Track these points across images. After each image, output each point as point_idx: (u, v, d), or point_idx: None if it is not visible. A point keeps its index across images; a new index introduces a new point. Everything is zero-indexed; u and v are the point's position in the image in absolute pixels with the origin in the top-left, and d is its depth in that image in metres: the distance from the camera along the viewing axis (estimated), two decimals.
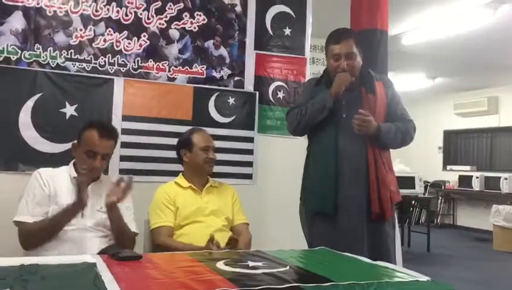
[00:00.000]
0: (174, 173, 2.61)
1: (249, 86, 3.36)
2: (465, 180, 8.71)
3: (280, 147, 3.38)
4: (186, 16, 3.16)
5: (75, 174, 2.22)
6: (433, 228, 7.92)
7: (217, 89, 3.25)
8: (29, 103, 2.77)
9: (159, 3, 3.08)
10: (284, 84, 3.45)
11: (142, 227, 2.46)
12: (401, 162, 6.81)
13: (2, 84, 2.72)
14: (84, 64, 2.90)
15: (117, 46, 2.98)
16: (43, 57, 2.81)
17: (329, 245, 2.05)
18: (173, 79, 3.13)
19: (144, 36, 3.05)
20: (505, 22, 5.02)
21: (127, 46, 3.01)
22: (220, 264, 1.57)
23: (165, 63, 3.11)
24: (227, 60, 3.29)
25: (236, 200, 2.58)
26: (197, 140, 2.50)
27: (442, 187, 9.44)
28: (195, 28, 3.19)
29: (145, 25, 3.06)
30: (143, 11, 3.05)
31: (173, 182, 2.53)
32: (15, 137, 2.73)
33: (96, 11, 2.93)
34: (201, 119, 3.15)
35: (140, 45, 3.04)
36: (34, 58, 2.79)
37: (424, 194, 8.01)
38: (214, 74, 3.25)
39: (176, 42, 3.14)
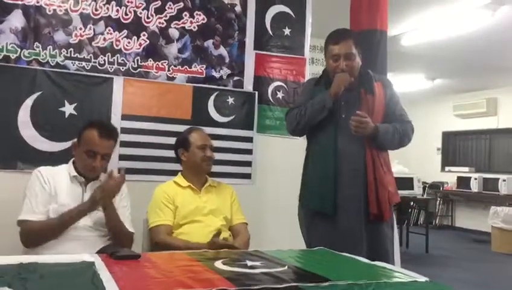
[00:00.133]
0: (173, 173, 2.61)
1: (248, 85, 3.36)
2: (463, 182, 8.71)
3: (279, 147, 3.38)
4: (185, 15, 3.16)
5: (75, 173, 2.23)
6: (431, 229, 7.91)
7: (216, 89, 3.25)
8: (29, 102, 2.77)
9: (159, 3, 3.08)
10: (283, 84, 3.46)
11: (141, 226, 2.47)
12: (399, 163, 6.81)
13: (1, 83, 2.72)
14: (84, 63, 2.90)
15: (117, 45, 2.98)
16: (43, 56, 2.80)
17: (328, 245, 2.05)
18: (173, 78, 3.13)
19: (144, 35, 3.05)
20: (504, 24, 5.02)
21: (127, 45, 3.01)
22: (219, 264, 1.57)
23: (165, 63, 3.11)
24: (227, 60, 3.29)
25: (235, 199, 2.58)
26: (194, 139, 2.51)
27: (441, 188, 9.44)
28: (194, 27, 3.19)
29: (145, 24, 3.06)
30: (143, 10, 3.05)
31: (172, 181, 2.53)
32: (14, 136, 2.73)
33: (96, 10, 2.93)
34: (200, 118, 3.15)
35: (140, 44, 3.04)
36: (34, 57, 2.79)
37: (422, 195, 8.01)
38: (214, 73, 3.25)
39: (175, 42, 3.14)
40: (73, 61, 2.87)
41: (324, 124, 2.40)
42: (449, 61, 6.86)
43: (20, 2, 2.75)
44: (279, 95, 3.44)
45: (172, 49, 3.13)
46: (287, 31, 3.46)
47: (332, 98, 2.35)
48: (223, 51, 3.28)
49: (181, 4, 3.15)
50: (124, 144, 2.93)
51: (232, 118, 3.30)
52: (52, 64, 2.82)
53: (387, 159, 2.48)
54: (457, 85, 8.58)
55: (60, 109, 2.84)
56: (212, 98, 3.24)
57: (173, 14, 3.13)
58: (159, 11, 3.09)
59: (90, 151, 2.17)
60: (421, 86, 8.44)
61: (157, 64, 3.09)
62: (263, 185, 3.33)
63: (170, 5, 3.12)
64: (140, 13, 3.04)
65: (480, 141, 9.34)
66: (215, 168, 2.64)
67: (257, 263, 1.59)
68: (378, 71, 2.82)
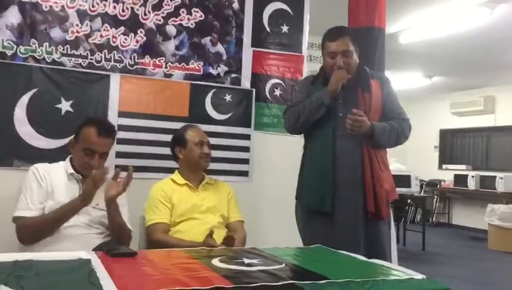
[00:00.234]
0: (170, 170, 2.61)
1: (245, 83, 3.35)
2: (460, 180, 8.73)
3: (276, 145, 3.38)
4: (183, 12, 3.15)
5: (72, 170, 2.22)
6: (428, 226, 7.95)
7: (214, 86, 3.24)
8: (25, 99, 2.75)
9: None
10: (281, 82, 3.45)
11: (138, 224, 2.46)
12: (397, 161, 6.82)
13: None
14: (80, 60, 2.88)
15: (113, 42, 2.97)
16: (39, 52, 2.79)
17: (326, 243, 2.04)
18: (170, 75, 3.12)
19: (141, 32, 3.04)
20: (501, 22, 5.03)
21: (124, 42, 2.99)
22: (216, 261, 1.56)
23: (162, 59, 3.10)
24: (224, 57, 3.28)
25: (232, 197, 2.57)
26: (190, 136, 2.50)
27: (438, 186, 9.46)
28: (192, 24, 3.18)
29: (142, 20, 3.04)
30: (140, 6, 3.03)
31: (169, 179, 2.52)
32: (10, 133, 2.71)
33: (93, 6, 2.91)
34: (197, 116, 3.14)
35: (137, 41, 3.03)
36: (30, 54, 2.77)
37: (419, 193, 8.02)
38: (211, 70, 3.24)
39: (172, 38, 3.12)
40: (70, 58, 2.86)
41: (322, 122, 2.40)
42: (447, 59, 6.86)
43: None
44: (277, 92, 3.44)
45: (170, 46, 3.12)
46: (284, 28, 3.45)
47: (330, 95, 2.34)
48: (220, 48, 3.27)
49: (178, 1, 3.13)
50: (121, 141, 2.91)
51: (229, 115, 3.29)
52: (49, 60, 2.81)
53: (385, 156, 2.47)
54: (454, 83, 8.59)
55: (57, 105, 2.83)
56: (209, 95, 3.23)
57: (170, 10, 3.11)
58: (156, 7, 3.07)
59: (88, 149, 2.16)
60: (419, 83, 8.45)
61: (154, 61, 3.08)
62: (260, 183, 3.32)
63: (167, 2, 3.10)
64: (138, 10, 3.03)
65: (477, 139, 9.36)
66: (213, 166, 2.64)
67: (254, 261, 1.59)
68: (376, 68, 2.82)
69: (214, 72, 3.25)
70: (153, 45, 3.07)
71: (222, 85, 3.27)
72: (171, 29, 3.12)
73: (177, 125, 2.75)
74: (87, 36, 2.90)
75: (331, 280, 1.36)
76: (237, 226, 2.49)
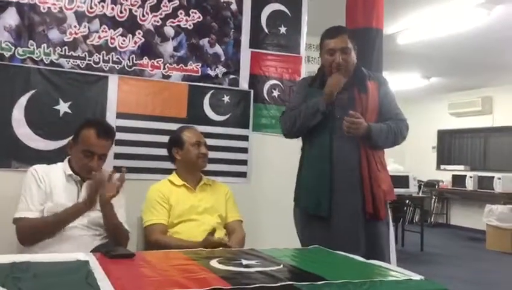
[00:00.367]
0: (168, 171, 2.61)
1: (243, 84, 3.35)
2: (458, 180, 8.73)
3: (274, 146, 3.37)
4: (181, 13, 3.15)
5: (70, 172, 2.22)
6: (426, 227, 7.95)
7: (212, 87, 3.24)
8: (23, 100, 2.75)
9: (154, 1, 3.07)
10: (279, 83, 3.45)
11: (135, 225, 2.46)
12: (395, 161, 6.82)
13: None
14: (79, 61, 2.88)
15: (111, 43, 2.97)
16: (37, 54, 2.79)
17: (324, 245, 2.04)
18: (168, 77, 3.12)
19: (139, 33, 3.04)
20: (499, 23, 5.04)
21: (122, 43, 2.99)
22: (214, 263, 1.56)
23: (160, 61, 3.10)
24: (222, 58, 3.28)
25: (230, 197, 2.57)
26: (187, 137, 2.51)
27: (436, 187, 9.47)
28: (190, 25, 3.18)
29: (140, 22, 3.04)
30: (138, 8, 3.03)
31: (167, 180, 2.52)
32: (8, 134, 2.71)
33: (91, 7, 2.91)
34: (195, 117, 3.15)
35: (135, 42, 3.03)
36: (28, 55, 2.77)
37: (417, 194, 8.02)
38: (209, 71, 3.24)
39: (170, 40, 3.12)
40: (68, 60, 2.86)
41: (319, 124, 2.39)
42: (445, 60, 6.87)
43: (14, 0, 2.73)
44: (275, 93, 3.44)
45: (168, 47, 3.12)
46: (282, 30, 3.45)
47: (327, 100, 2.34)
48: (218, 49, 3.27)
49: (176, 2, 3.13)
50: (119, 143, 2.91)
51: (227, 116, 3.29)
52: (47, 62, 2.81)
53: (383, 157, 2.48)
54: (452, 83, 8.60)
55: (55, 107, 2.83)
56: (207, 96, 3.23)
57: (169, 12, 3.11)
58: (155, 9, 3.08)
59: (88, 151, 2.16)
60: (417, 84, 8.45)
61: (153, 62, 3.08)
62: (258, 184, 3.32)
63: (165, 3, 3.10)
64: (136, 11, 3.03)
65: (475, 140, 9.37)
66: (211, 167, 2.64)
67: (252, 262, 1.59)
68: (374, 69, 2.82)
69: (212, 73, 3.25)
70: (151, 46, 3.07)
71: (220, 86, 3.27)
72: (169, 31, 3.12)
73: (175, 126, 2.75)
74: (85, 37, 2.90)
75: (329, 281, 1.36)
76: (236, 226, 2.49)
